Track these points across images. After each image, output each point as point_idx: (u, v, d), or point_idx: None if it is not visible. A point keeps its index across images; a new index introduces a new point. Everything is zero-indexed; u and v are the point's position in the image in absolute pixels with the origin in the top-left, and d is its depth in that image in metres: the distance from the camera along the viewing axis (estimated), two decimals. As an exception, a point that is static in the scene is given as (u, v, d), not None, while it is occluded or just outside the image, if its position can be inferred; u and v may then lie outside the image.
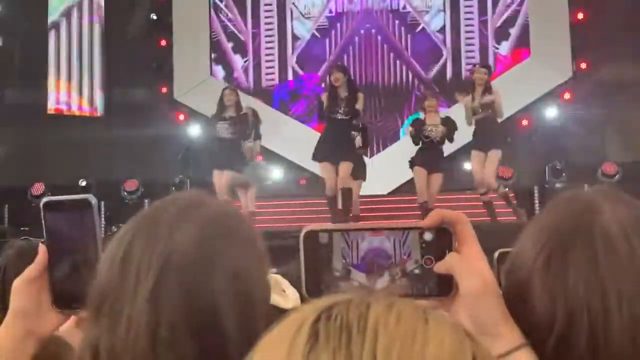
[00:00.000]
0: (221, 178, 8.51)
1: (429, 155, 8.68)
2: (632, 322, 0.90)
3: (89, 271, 1.06)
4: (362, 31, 12.74)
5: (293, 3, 12.86)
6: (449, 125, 8.78)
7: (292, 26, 12.89)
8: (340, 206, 8.32)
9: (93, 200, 1.11)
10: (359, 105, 8.34)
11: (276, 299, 1.87)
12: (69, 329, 1.24)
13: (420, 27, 12.68)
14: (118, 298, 0.98)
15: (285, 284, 1.95)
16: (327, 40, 12.79)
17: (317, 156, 8.44)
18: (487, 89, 8.61)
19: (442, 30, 12.68)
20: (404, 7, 12.68)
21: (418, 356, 0.58)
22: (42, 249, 1.11)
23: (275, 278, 1.96)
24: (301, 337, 0.60)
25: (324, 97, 8.44)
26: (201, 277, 0.98)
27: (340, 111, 8.23)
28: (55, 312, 1.12)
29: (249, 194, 8.67)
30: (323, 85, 8.74)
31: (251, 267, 1.03)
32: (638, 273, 0.92)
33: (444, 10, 12.63)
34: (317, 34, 12.83)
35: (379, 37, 12.71)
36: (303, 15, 12.87)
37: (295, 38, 12.87)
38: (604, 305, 0.91)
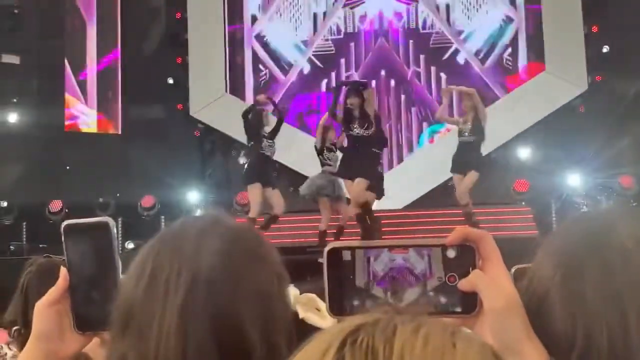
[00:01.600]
0: (260, 193, 8.55)
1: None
2: None
3: (108, 294, 1.07)
4: (377, 43, 12.77)
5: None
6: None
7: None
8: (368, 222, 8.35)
9: (111, 222, 1.12)
10: (370, 107, 8.41)
11: (313, 318, 1.88)
12: (93, 346, 1.26)
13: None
14: (146, 314, 1.00)
15: (319, 301, 1.95)
16: (347, 54, 12.82)
17: (341, 173, 8.52)
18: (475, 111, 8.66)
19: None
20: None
21: None
22: (63, 272, 1.12)
23: (308, 296, 1.96)
24: None
25: (339, 116, 8.51)
26: (227, 294, 1.00)
27: (357, 127, 8.33)
28: (77, 334, 1.13)
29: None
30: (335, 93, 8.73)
31: (272, 284, 1.06)
32: None
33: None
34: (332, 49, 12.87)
35: (396, 53, 12.73)
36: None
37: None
38: (623, 322, 0.91)
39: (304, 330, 0.93)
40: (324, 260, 0.94)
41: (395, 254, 0.94)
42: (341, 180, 8.57)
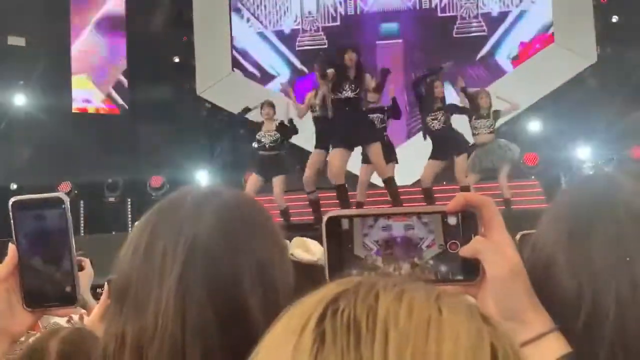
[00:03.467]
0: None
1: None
2: None
3: (60, 270, 1.06)
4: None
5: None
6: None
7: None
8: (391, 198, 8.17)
9: (65, 198, 1.09)
10: (372, 85, 8.12)
11: (300, 254, 1.91)
12: (95, 321, 1.25)
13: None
14: (144, 285, 0.98)
15: (309, 242, 1.98)
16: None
17: (325, 143, 8.08)
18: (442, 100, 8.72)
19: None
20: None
21: (433, 357, 0.54)
22: (11, 248, 1.09)
23: (300, 239, 1.99)
24: (307, 339, 0.56)
25: (330, 73, 7.81)
26: (226, 263, 0.99)
27: (346, 88, 7.76)
28: (27, 311, 1.09)
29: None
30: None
31: (272, 253, 1.04)
32: None
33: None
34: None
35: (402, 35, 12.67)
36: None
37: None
38: (632, 284, 0.90)
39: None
40: (322, 229, 0.92)
41: (395, 221, 0.92)
42: None
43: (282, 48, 12.98)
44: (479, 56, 12.41)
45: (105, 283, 1.16)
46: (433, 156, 8.74)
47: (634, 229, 0.92)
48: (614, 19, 11.70)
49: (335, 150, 7.95)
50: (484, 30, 12.52)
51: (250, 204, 1.09)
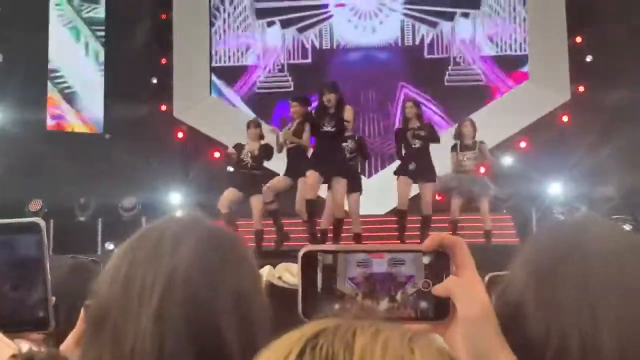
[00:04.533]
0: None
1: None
2: (621, 341, 0.91)
3: (35, 295, 1.06)
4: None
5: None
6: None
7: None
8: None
9: (42, 223, 1.09)
10: (347, 116, 8.24)
11: (288, 278, 1.92)
12: (70, 346, 1.24)
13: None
14: (122, 314, 0.99)
15: (292, 267, 2.00)
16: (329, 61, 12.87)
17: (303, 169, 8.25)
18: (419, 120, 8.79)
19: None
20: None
21: None
22: None
23: (283, 265, 2.01)
24: None
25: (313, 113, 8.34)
26: (204, 296, 1.00)
27: (326, 124, 8.09)
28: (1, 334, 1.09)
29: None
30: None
31: (249, 285, 1.05)
32: (626, 294, 0.93)
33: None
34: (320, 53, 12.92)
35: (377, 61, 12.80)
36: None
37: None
38: (594, 325, 0.92)
39: (277, 294, 0.93)
40: (298, 263, 0.93)
41: (373, 258, 0.93)
42: None
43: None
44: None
45: (82, 309, 1.15)
46: (402, 173, 8.74)
47: (598, 273, 0.95)
48: (588, 58, 11.93)
49: (310, 171, 8.15)
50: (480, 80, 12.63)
51: (229, 237, 1.11)
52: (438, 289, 0.91)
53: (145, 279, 0.99)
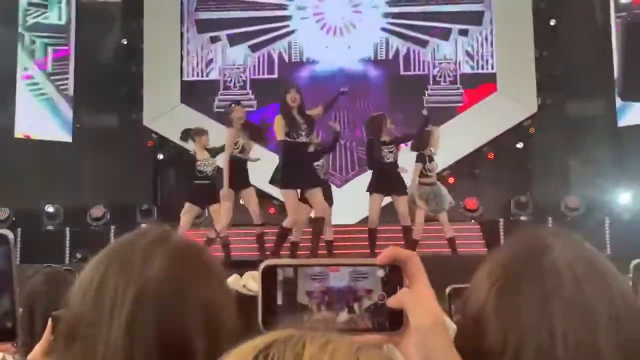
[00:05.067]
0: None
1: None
2: (577, 354, 0.95)
3: (3, 305, 1.07)
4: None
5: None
6: None
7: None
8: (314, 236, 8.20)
9: (10, 235, 1.09)
10: (316, 113, 8.06)
11: (252, 285, 1.94)
12: (36, 357, 1.26)
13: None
14: (92, 327, 1.01)
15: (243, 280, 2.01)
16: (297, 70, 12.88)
17: (278, 181, 8.00)
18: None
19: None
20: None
21: None
22: None
23: (251, 273, 2.02)
24: None
25: (280, 120, 7.81)
26: (174, 308, 1.03)
27: (302, 133, 7.79)
28: None
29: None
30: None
31: (219, 297, 1.08)
32: (583, 309, 0.97)
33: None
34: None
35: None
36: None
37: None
38: (551, 338, 0.96)
39: (242, 302, 0.96)
40: (258, 277, 0.96)
41: (331, 272, 0.97)
42: None
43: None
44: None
45: (49, 319, 1.17)
46: (377, 190, 8.76)
47: (559, 292, 0.98)
48: (555, 71, 12.11)
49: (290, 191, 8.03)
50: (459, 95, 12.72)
51: (199, 249, 1.14)
52: (391, 301, 0.95)
53: (116, 292, 1.02)
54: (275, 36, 13.03)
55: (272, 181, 8.23)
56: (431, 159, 8.92)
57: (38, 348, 1.25)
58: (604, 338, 0.96)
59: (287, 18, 13.08)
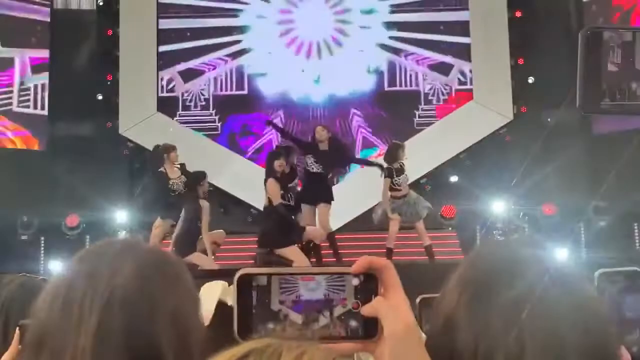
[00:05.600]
0: None
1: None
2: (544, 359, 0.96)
3: None
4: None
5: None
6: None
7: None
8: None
9: None
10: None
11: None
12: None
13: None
14: (60, 336, 1.00)
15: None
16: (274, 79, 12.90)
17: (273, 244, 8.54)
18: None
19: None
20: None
21: None
22: None
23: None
24: None
25: (275, 185, 8.46)
26: (143, 316, 1.02)
27: (291, 194, 8.66)
28: None
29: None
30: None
31: (187, 305, 1.08)
32: (551, 317, 0.98)
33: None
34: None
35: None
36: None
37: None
38: (521, 348, 0.97)
39: (229, 314, 0.95)
40: (234, 285, 0.95)
41: (307, 280, 0.96)
42: None
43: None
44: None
45: (17, 328, 1.15)
46: (305, 201, 8.93)
47: (529, 299, 0.99)
48: (530, 79, 12.23)
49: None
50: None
51: (166, 257, 1.13)
52: (366, 309, 0.95)
53: (84, 300, 1.00)
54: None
55: (263, 245, 8.53)
56: (400, 172, 8.91)
57: (6, 357, 1.24)
58: (571, 344, 0.97)
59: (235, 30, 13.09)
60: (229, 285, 2.11)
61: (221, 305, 1.99)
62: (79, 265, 1.06)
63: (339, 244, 9.69)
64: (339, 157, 9.25)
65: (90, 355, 0.98)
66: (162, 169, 9.11)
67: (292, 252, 8.28)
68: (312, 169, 8.89)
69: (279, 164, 8.44)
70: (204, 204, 8.46)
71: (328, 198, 8.88)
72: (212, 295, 2.11)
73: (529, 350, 0.96)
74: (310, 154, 8.87)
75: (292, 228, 8.48)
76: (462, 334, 1.00)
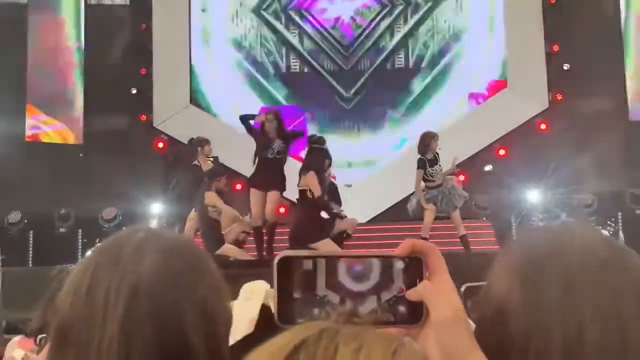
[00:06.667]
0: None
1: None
2: (604, 337, 0.94)
3: None
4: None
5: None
6: None
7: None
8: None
9: None
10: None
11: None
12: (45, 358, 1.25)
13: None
14: (85, 328, 0.98)
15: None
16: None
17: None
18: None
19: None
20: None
21: None
22: None
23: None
24: None
25: (315, 177, 8.23)
26: (170, 305, 1.00)
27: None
28: None
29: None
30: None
31: (213, 293, 1.06)
32: (610, 291, 0.96)
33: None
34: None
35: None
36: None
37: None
38: (579, 324, 0.95)
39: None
40: (274, 268, 0.94)
41: (350, 264, 0.95)
42: None
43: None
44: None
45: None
46: (255, 185, 8.59)
47: (582, 275, 0.97)
48: (565, 66, 12.06)
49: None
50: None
51: (190, 246, 1.12)
52: (411, 294, 0.93)
53: (109, 290, 0.99)
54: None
55: (296, 239, 8.29)
56: (434, 163, 8.78)
57: (45, 351, 1.24)
58: (632, 319, 0.95)
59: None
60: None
61: (265, 309, 1.97)
62: (101, 255, 1.05)
63: (373, 234, 9.66)
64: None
65: (117, 345, 0.96)
66: (195, 162, 9.16)
67: (326, 245, 8.22)
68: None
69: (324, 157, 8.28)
70: (208, 195, 8.38)
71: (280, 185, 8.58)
72: (255, 299, 2.08)
73: (589, 328, 0.94)
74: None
75: (326, 221, 8.38)
76: (514, 319, 0.97)
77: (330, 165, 8.43)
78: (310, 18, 13.02)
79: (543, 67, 12.10)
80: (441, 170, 8.80)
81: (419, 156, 8.81)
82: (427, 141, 8.84)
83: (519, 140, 11.94)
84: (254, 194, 8.52)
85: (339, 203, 8.94)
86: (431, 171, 8.74)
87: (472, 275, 1.61)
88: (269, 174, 8.41)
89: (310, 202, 8.20)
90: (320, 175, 8.21)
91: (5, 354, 2.51)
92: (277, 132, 8.48)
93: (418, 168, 8.74)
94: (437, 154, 8.86)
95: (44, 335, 2.42)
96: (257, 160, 8.55)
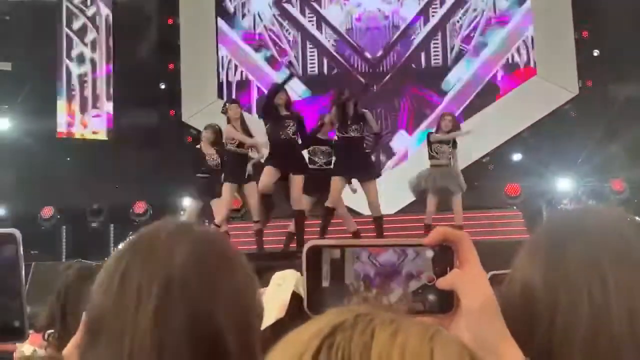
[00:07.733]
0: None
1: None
2: (631, 309, 0.94)
3: (12, 304, 1.05)
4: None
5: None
6: None
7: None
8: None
9: (17, 234, 1.08)
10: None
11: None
12: (72, 351, 1.26)
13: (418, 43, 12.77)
14: (118, 320, 1.00)
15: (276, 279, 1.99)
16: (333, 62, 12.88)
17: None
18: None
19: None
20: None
21: None
22: None
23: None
24: None
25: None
26: (203, 298, 1.01)
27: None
28: None
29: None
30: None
31: (245, 285, 1.07)
32: (632, 261, 0.97)
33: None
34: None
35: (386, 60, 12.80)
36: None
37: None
38: (605, 294, 0.95)
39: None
40: (303, 257, 0.94)
41: (379, 253, 0.95)
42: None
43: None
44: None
45: (84, 313, 1.16)
46: (272, 164, 8.15)
47: (606, 247, 0.98)
48: (595, 52, 11.90)
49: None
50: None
51: (221, 239, 1.13)
52: (442, 282, 0.92)
53: (141, 283, 1.00)
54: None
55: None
56: (443, 142, 8.67)
57: (72, 342, 1.26)
58: None
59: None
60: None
61: (296, 296, 1.97)
62: (133, 247, 1.06)
63: (394, 225, 9.56)
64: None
65: (150, 338, 0.97)
66: (198, 146, 9.18)
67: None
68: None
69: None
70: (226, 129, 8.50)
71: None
72: (286, 285, 2.08)
73: (614, 297, 0.94)
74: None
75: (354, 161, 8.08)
76: (539, 296, 0.98)
77: None
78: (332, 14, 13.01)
79: (573, 54, 11.95)
80: (449, 152, 8.66)
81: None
82: (439, 120, 8.89)
83: (549, 128, 11.81)
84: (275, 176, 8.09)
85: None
86: (437, 148, 8.67)
87: (498, 264, 1.61)
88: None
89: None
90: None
91: (17, 349, 2.56)
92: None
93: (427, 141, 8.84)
94: (455, 141, 8.74)
95: (52, 331, 2.45)
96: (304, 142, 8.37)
